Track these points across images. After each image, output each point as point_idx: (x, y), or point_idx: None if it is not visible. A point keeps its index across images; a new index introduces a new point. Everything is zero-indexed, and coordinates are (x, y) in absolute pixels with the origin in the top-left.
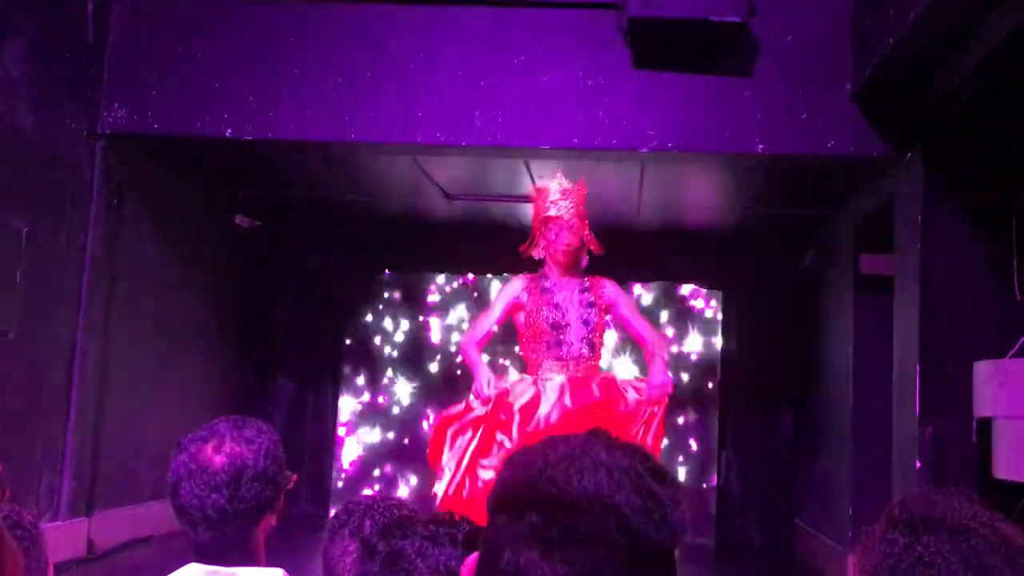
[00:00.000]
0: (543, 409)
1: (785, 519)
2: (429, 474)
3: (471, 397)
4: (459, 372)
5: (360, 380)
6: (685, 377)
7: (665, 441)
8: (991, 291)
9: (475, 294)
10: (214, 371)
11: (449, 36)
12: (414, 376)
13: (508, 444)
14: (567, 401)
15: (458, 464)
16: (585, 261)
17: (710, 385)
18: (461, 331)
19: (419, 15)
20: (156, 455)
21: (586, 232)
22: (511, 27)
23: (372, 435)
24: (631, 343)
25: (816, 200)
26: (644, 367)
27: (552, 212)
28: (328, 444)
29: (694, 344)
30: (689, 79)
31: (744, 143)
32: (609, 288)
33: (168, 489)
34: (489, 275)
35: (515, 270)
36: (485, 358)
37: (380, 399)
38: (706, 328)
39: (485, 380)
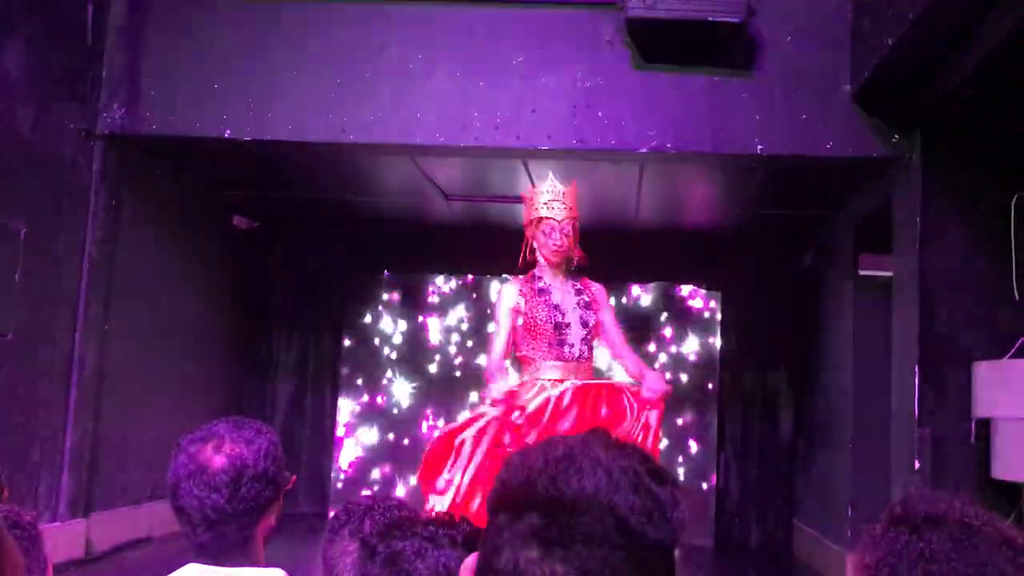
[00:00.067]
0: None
1: (784, 519)
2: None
3: (482, 407)
4: (458, 373)
5: (359, 381)
6: (684, 378)
7: (665, 441)
8: (990, 291)
9: (474, 295)
10: (213, 372)
11: (448, 36)
12: (413, 377)
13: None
14: (574, 412)
15: (463, 472)
16: (575, 262)
17: (709, 386)
18: (460, 331)
19: (417, 15)
20: (155, 456)
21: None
22: (510, 27)
23: (371, 436)
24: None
25: (815, 200)
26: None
27: (544, 212)
28: (327, 445)
29: (693, 345)
30: (688, 80)
31: (743, 144)
32: (598, 291)
33: (167, 490)
34: (488, 276)
35: (514, 271)
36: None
37: (379, 400)
38: (705, 328)
39: (502, 387)
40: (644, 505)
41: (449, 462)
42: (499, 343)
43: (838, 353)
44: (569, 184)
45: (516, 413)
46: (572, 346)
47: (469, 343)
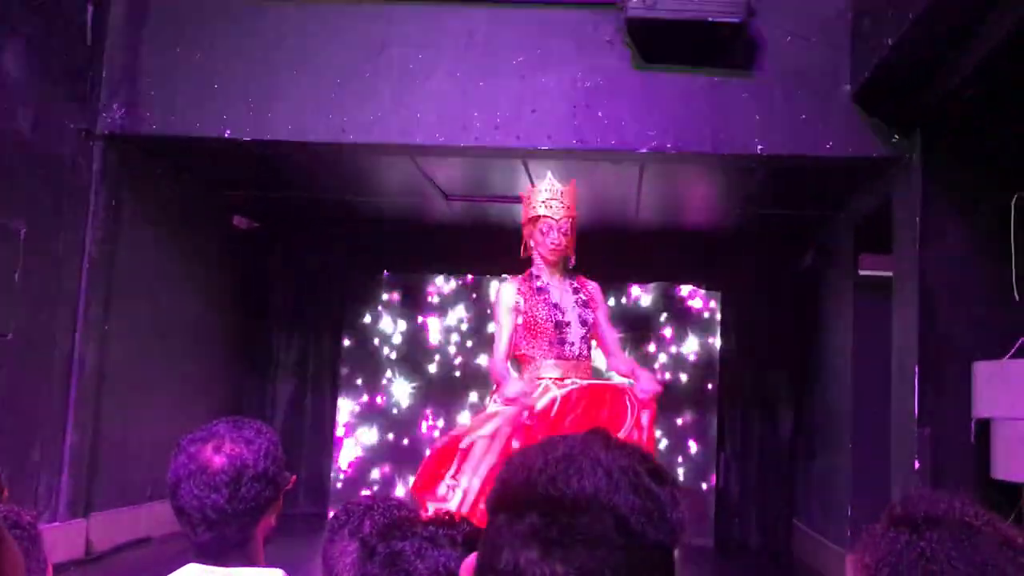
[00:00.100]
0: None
1: (784, 519)
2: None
3: (492, 407)
4: (458, 373)
5: (359, 381)
6: (684, 378)
7: (665, 442)
8: (990, 291)
9: (474, 295)
10: (213, 372)
11: (448, 36)
12: (413, 377)
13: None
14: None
15: (473, 474)
16: (572, 260)
17: (709, 386)
18: (460, 331)
19: (417, 15)
20: (155, 456)
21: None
22: (510, 27)
23: (371, 436)
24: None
25: (815, 200)
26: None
27: (542, 211)
28: (327, 445)
29: (693, 345)
30: (688, 80)
31: (743, 144)
32: (594, 289)
33: (167, 490)
34: (488, 276)
35: (514, 271)
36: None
37: (379, 400)
38: (705, 329)
39: (516, 387)
40: (644, 505)
41: (453, 467)
42: (503, 343)
43: (838, 353)
44: (568, 184)
45: (525, 414)
46: (572, 344)
47: (469, 343)
